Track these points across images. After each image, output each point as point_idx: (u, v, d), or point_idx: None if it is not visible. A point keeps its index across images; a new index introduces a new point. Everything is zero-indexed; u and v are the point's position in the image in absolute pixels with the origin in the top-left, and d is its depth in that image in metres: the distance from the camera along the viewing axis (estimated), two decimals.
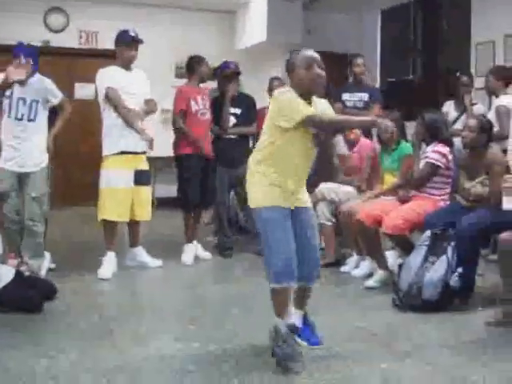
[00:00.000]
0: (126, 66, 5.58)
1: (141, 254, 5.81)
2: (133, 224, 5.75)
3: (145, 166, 5.65)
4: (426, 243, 4.58)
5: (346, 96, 6.85)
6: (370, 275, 5.26)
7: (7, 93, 4.99)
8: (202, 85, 6.25)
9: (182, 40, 9.40)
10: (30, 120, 5.07)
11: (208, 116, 6.09)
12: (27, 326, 4.04)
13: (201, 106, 6.02)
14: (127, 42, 5.54)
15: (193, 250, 6.06)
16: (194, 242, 6.14)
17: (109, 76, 5.52)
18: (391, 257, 5.38)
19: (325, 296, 4.81)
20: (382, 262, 5.16)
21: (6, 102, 5.04)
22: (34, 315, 4.23)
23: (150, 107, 5.65)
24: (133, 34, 5.57)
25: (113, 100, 5.43)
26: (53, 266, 5.46)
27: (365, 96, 6.79)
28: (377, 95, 6.86)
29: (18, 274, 4.56)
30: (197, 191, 5.98)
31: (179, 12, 9.60)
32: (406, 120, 5.70)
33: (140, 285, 5.47)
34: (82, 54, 9.42)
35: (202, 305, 4.72)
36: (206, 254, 6.20)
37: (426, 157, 5.04)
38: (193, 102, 5.97)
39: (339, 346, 3.69)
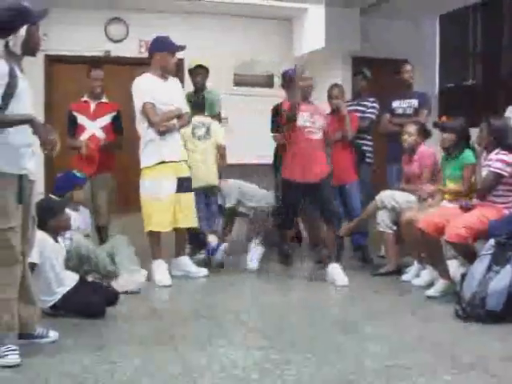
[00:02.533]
0: (163, 74, 5.53)
1: (185, 263, 5.79)
2: (178, 232, 5.73)
3: (186, 173, 5.62)
4: (490, 252, 4.49)
5: (396, 103, 6.79)
6: (430, 284, 5.19)
7: None
8: None
9: (241, 48, 9.46)
10: None
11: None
12: (90, 330, 4.11)
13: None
14: (173, 50, 5.50)
15: None
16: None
17: (145, 88, 5.44)
18: (453, 266, 5.28)
19: (385, 305, 4.79)
20: (443, 271, 5.08)
21: None
22: (96, 320, 4.30)
23: (182, 122, 5.62)
24: (176, 42, 5.53)
25: (149, 116, 5.40)
26: None
27: (414, 102, 6.71)
28: (426, 101, 6.76)
29: (82, 278, 4.64)
30: None
31: (237, 20, 9.64)
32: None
33: (197, 292, 5.49)
34: (141, 63, 9.53)
35: (261, 312, 4.73)
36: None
37: (489, 165, 4.94)
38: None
39: (401, 356, 3.64)
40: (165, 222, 5.47)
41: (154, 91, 5.42)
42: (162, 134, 5.41)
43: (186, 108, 5.68)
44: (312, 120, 5.54)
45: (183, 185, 5.54)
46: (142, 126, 5.48)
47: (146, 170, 5.49)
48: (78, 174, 5.45)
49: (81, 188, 5.44)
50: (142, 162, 5.51)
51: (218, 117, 6.82)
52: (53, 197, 4.63)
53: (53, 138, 3.45)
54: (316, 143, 5.58)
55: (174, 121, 5.50)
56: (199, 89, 6.53)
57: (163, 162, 5.44)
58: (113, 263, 5.21)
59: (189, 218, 5.65)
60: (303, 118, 5.50)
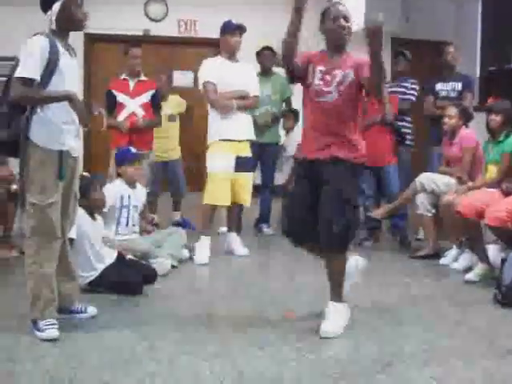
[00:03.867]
0: (231, 55, 5.66)
1: (231, 240, 5.87)
2: (231, 208, 5.81)
3: (246, 153, 5.69)
4: None
5: (439, 86, 6.69)
6: (469, 269, 5.14)
7: None
8: None
9: (281, 27, 9.36)
10: None
11: None
12: (128, 308, 4.15)
13: None
14: (231, 30, 5.60)
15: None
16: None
17: (208, 68, 5.61)
18: (493, 250, 5.22)
19: (423, 289, 4.75)
20: (483, 256, 5.02)
21: None
22: (134, 298, 4.33)
23: (246, 103, 5.65)
24: (235, 22, 5.61)
25: (207, 95, 5.55)
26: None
27: (458, 85, 6.60)
28: (469, 84, 6.65)
29: (120, 256, 4.68)
30: None
31: None
32: None
33: (236, 271, 5.49)
34: (181, 43, 9.56)
35: (297, 294, 4.72)
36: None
37: None
38: None
39: (439, 341, 3.61)
40: (218, 196, 5.57)
41: (219, 72, 5.55)
42: (221, 112, 5.54)
43: (254, 91, 5.76)
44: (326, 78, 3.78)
45: (241, 164, 5.63)
46: (208, 105, 5.67)
47: (209, 147, 5.65)
48: (132, 150, 5.38)
49: (134, 164, 5.30)
50: (208, 138, 5.68)
51: (288, 100, 7.00)
52: (85, 174, 4.64)
53: (89, 116, 3.48)
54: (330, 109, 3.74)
55: (233, 101, 5.56)
56: (266, 71, 6.70)
57: (223, 140, 5.54)
58: (158, 247, 5.23)
59: (242, 197, 5.76)
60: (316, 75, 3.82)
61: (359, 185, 4.03)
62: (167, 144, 6.93)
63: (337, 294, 3.77)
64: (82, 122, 3.52)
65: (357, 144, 3.73)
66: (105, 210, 4.84)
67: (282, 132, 7.31)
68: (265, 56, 6.73)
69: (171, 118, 7.00)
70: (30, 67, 3.39)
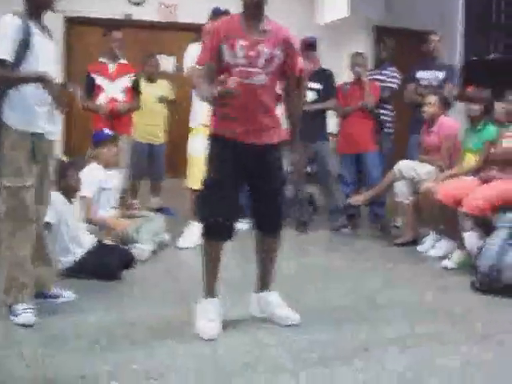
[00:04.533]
0: None
1: None
2: None
3: None
4: (508, 225, 4.47)
5: (420, 74, 6.67)
6: (447, 256, 5.16)
7: None
8: None
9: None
10: None
11: None
12: (106, 292, 4.13)
13: None
14: (216, 16, 5.55)
15: None
16: None
17: (194, 53, 5.55)
18: (470, 238, 5.23)
19: (402, 275, 4.78)
20: (460, 243, 5.05)
21: None
22: (112, 283, 4.32)
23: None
24: (221, 9, 5.56)
25: (192, 79, 5.50)
26: None
27: (440, 74, 6.59)
28: (452, 75, 6.64)
29: (99, 242, 4.65)
30: None
31: None
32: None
33: None
34: (161, 27, 9.49)
35: (278, 278, 4.72)
36: None
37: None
38: None
39: (417, 325, 3.63)
40: (198, 180, 5.51)
41: None
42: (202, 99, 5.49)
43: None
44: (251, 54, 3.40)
45: None
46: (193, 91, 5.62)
47: (192, 131, 5.63)
48: (106, 131, 5.33)
49: (109, 146, 5.24)
50: (190, 123, 5.67)
51: None
52: (63, 158, 4.60)
53: (65, 98, 3.44)
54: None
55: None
56: None
57: (205, 125, 5.49)
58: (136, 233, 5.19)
59: None
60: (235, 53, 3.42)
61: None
62: (154, 126, 6.93)
63: None
64: (58, 104, 3.47)
65: None
66: (87, 195, 4.82)
67: None
68: None
69: (161, 99, 6.97)
70: (1, 48, 3.33)
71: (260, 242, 3.68)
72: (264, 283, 3.72)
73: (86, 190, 4.82)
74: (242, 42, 3.37)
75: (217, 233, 3.47)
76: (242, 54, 3.37)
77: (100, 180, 5.06)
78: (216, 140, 3.50)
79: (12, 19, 3.38)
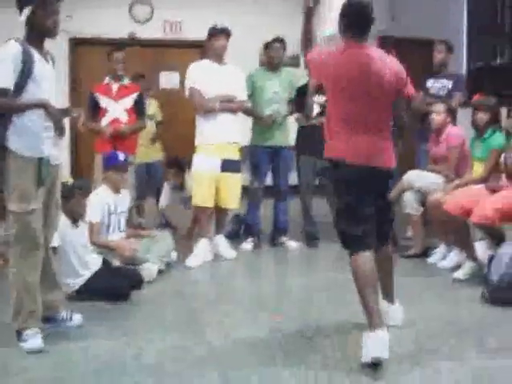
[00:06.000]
0: (218, 58, 5.65)
1: (218, 243, 5.82)
2: (218, 211, 5.80)
3: (233, 156, 5.68)
4: None
5: (430, 82, 6.64)
6: (457, 267, 5.12)
7: None
8: None
9: (265, 28, 9.34)
10: None
11: None
12: (115, 315, 4.12)
13: None
14: (216, 34, 5.60)
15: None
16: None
17: (194, 73, 5.63)
18: (481, 248, 5.20)
19: (412, 288, 4.73)
20: (470, 254, 5.02)
21: None
22: (121, 304, 4.30)
23: (230, 106, 5.63)
24: (220, 26, 5.62)
25: (193, 100, 5.59)
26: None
27: (449, 83, 6.55)
28: (460, 84, 6.60)
29: (106, 262, 4.65)
30: None
31: None
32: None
33: (225, 274, 5.46)
34: (166, 45, 9.53)
35: (285, 295, 4.71)
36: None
37: None
38: None
39: (429, 340, 3.61)
40: (205, 197, 5.58)
41: (206, 76, 5.57)
42: (204, 115, 5.57)
43: (241, 95, 5.77)
44: None
45: (227, 166, 5.62)
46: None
47: (196, 149, 5.67)
48: (120, 157, 5.22)
49: (120, 171, 5.17)
50: (195, 141, 5.71)
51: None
52: (68, 181, 4.58)
53: (64, 123, 3.49)
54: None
55: (216, 104, 5.54)
56: (274, 66, 6.22)
57: (209, 143, 5.58)
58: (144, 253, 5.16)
59: (232, 200, 5.77)
60: None
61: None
62: (148, 145, 6.99)
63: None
64: (57, 129, 3.50)
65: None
66: (94, 220, 4.83)
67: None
68: (274, 49, 6.18)
69: (151, 117, 7.07)
70: (1, 76, 3.35)
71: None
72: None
73: (93, 214, 4.82)
74: None
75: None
76: None
77: (108, 204, 5.04)
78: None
79: (14, 47, 3.40)
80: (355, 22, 3.56)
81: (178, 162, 6.58)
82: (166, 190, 6.82)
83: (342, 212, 3.54)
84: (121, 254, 4.89)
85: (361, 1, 3.58)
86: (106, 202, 5.01)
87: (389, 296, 3.79)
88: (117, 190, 5.14)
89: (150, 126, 7.01)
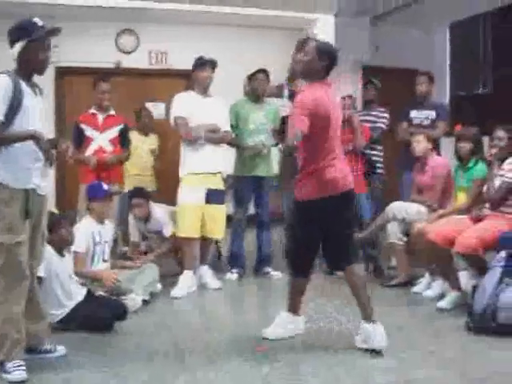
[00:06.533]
0: (203, 90, 5.70)
1: (204, 273, 5.82)
2: (203, 241, 5.80)
3: (218, 186, 5.71)
4: (501, 264, 4.45)
5: (413, 113, 6.71)
6: (442, 296, 5.15)
7: None
8: None
9: (251, 58, 9.41)
10: None
11: None
12: (98, 345, 4.10)
13: None
14: (201, 65, 5.64)
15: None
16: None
17: (180, 103, 5.68)
18: (464, 277, 5.23)
19: (396, 317, 4.73)
20: (454, 283, 5.04)
21: None
22: (104, 335, 4.28)
23: (214, 136, 5.66)
24: (206, 57, 5.67)
25: (178, 129, 5.63)
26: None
27: (431, 114, 6.63)
28: (443, 113, 6.68)
29: (89, 293, 4.63)
30: None
31: (247, 30, 9.60)
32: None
33: (210, 304, 5.46)
34: (152, 74, 9.57)
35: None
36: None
37: (502, 175, 4.92)
38: None
39: (413, 370, 3.62)
40: (190, 228, 5.60)
41: (190, 107, 5.61)
42: (189, 145, 5.60)
43: (225, 126, 5.79)
44: None
45: (211, 196, 5.65)
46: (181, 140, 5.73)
47: (181, 180, 5.69)
48: (103, 186, 5.24)
49: (104, 201, 5.19)
50: (180, 171, 5.72)
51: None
52: (53, 211, 4.57)
53: (54, 153, 3.52)
54: None
55: (201, 133, 5.57)
56: (258, 97, 6.28)
57: (193, 173, 5.59)
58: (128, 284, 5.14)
59: (217, 229, 5.79)
60: None
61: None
62: (145, 177, 7.06)
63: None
64: (47, 160, 3.51)
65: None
66: (79, 250, 4.82)
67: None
68: (258, 80, 6.25)
69: (153, 151, 7.24)
70: None
71: None
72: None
73: (78, 244, 4.82)
74: None
75: None
76: None
77: (93, 234, 5.04)
78: None
79: (3, 80, 3.43)
80: (333, 65, 4.14)
81: (143, 194, 6.21)
82: (131, 223, 6.35)
83: None
84: (103, 285, 4.88)
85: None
86: (91, 232, 5.01)
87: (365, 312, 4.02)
88: (101, 220, 5.14)
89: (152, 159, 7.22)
